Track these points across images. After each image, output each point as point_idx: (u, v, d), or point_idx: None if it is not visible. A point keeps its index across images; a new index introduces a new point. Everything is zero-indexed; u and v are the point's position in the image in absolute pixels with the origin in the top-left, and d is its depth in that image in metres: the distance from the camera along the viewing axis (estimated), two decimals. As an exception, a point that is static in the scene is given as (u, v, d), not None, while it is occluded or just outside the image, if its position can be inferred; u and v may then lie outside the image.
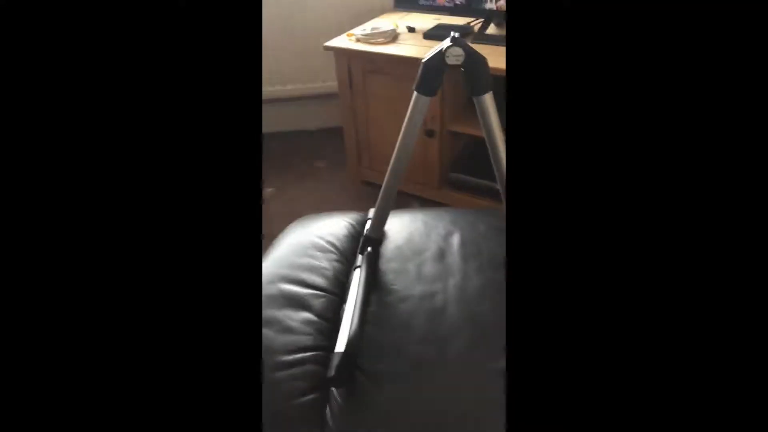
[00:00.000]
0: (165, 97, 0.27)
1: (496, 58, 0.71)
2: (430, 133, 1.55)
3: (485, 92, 0.63)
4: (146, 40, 0.26)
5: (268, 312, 0.70)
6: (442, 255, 0.80)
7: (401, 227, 0.88)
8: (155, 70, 0.27)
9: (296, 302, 0.72)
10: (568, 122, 0.28)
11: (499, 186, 0.71)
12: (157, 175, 0.27)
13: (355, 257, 0.82)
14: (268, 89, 1.93)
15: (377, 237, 0.79)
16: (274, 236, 0.89)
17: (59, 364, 0.25)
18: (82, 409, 0.26)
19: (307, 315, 0.71)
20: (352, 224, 0.90)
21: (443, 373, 0.63)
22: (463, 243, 0.82)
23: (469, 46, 0.59)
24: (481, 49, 0.63)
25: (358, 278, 0.74)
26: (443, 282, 0.75)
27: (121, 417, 0.26)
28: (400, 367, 0.64)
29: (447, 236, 0.85)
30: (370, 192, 1.79)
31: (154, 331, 0.27)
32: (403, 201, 1.77)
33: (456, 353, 0.65)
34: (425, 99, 0.63)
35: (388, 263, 0.80)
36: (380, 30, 1.50)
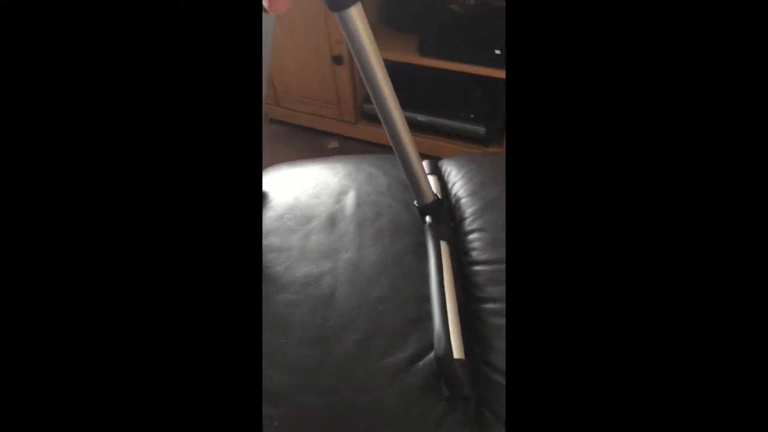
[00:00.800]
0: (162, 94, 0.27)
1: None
2: (338, 60, 1.33)
3: (349, 5, 0.44)
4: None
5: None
6: (333, 222, 0.66)
7: (287, 188, 0.72)
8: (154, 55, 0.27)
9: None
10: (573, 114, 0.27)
11: (386, 132, 0.55)
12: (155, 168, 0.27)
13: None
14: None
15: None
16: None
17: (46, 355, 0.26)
18: (70, 394, 0.26)
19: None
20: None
21: (328, 380, 0.51)
22: (359, 203, 0.68)
23: None
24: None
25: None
26: (333, 259, 0.61)
27: (116, 415, 0.26)
28: (276, 380, 0.51)
29: (340, 196, 0.69)
30: (279, 132, 1.58)
31: (148, 316, 0.27)
32: (319, 140, 1.58)
33: (345, 352, 0.53)
34: (268, 17, 0.44)
35: (266, 238, 0.64)
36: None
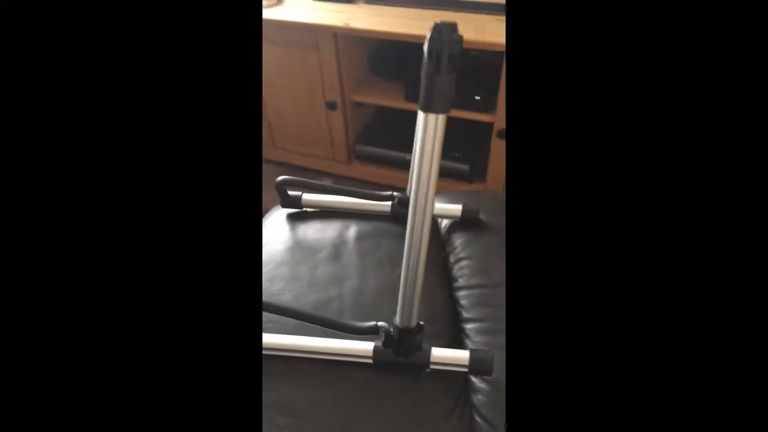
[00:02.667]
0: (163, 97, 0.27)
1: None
2: (331, 106, 1.45)
3: (439, 111, 0.45)
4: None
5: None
6: (337, 254, 0.74)
7: (294, 224, 0.80)
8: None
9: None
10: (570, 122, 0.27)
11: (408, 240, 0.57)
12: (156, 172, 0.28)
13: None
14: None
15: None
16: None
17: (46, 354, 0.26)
18: (71, 393, 0.26)
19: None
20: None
21: (340, 397, 0.58)
22: (360, 237, 0.76)
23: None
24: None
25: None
26: (339, 286, 0.69)
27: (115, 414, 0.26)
28: (292, 392, 0.58)
29: (343, 230, 0.78)
30: (274, 172, 1.67)
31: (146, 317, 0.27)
32: (313, 179, 1.67)
33: (354, 367, 0.60)
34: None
35: (278, 269, 0.72)
36: (263, -8, 1.34)
